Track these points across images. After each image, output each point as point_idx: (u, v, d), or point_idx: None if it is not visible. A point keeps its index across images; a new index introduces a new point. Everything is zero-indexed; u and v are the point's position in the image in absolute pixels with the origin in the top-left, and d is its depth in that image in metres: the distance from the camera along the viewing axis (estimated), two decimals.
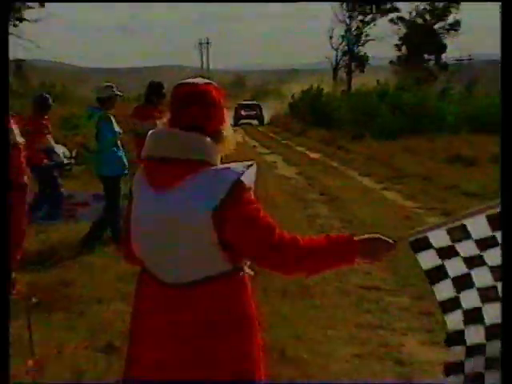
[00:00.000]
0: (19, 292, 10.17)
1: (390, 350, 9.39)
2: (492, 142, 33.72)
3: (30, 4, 70.64)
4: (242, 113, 69.65)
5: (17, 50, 72.06)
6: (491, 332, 4.81)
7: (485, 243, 4.73)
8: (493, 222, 4.71)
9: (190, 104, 4.64)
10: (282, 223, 4.87)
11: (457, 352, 4.91)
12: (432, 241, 4.84)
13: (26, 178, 11.37)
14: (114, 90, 14.76)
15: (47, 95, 18.33)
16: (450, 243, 4.81)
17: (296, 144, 45.62)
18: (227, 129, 4.75)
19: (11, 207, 10.87)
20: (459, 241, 4.79)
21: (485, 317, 4.80)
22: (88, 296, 10.88)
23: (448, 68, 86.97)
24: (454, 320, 4.87)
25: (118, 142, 14.55)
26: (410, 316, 10.85)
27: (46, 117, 18.05)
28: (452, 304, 4.86)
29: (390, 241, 4.73)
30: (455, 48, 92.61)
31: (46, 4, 71.23)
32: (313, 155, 38.26)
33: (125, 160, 14.67)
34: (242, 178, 4.46)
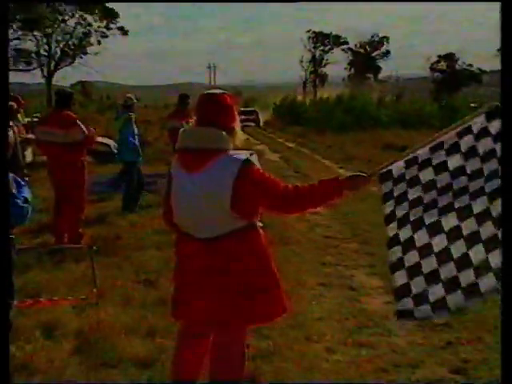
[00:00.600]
0: (85, 242, 10.15)
1: (344, 280, 9.44)
2: (415, 135, 33.73)
3: (91, 41, 70.17)
4: (243, 117, 68.76)
5: (82, 75, 71.93)
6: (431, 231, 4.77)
7: (423, 164, 4.83)
8: (433, 150, 4.82)
9: (211, 107, 4.77)
10: None
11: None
12: (393, 172, 4.94)
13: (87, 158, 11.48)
14: (133, 99, 14.87)
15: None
16: (403, 171, 4.91)
17: (278, 137, 45.53)
18: (238, 126, 4.82)
19: (75, 181, 11.02)
20: (408, 167, 4.90)
21: (423, 227, 4.78)
22: (132, 245, 10.89)
23: (382, 83, 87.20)
24: (392, 228, 4.94)
25: (136, 136, 14.48)
26: (358, 256, 10.91)
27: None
28: (391, 217, 4.94)
29: (365, 175, 4.84)
30: (387, 69, 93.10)
31: (102, 41, 70.69)
32: (290, 145, 38.18)
33: (139, 149, 14.63)
34: (250, 158, 4.63)
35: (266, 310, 4.86)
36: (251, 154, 4.72)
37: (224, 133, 4.67)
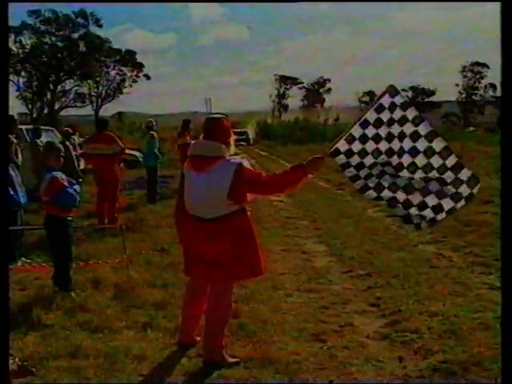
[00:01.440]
0: (118, 223, 10.10)
1: (299, 247, 9.45)
2: None
3: (125, 85, 71.13)
4: (236, 137, 66.15)
5: (119, 108, 72.59)
6: None
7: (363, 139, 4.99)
8: (363, 126, 5.00)
9: (213, 126, 4.85)
10: None
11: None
12: (340, 148, 5.03)
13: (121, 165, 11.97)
14: (154, 122, 15.00)
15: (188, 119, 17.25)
16: (347, 146, 5.01)
17: (254, 148, 45.44)
18: (232, 140, 4.91)
19: (112, 181, 11.11)
20: (352, 142, 5.01)
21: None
22: (151, 224, 10.89)
23: (326, 110, 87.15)
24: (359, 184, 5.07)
25: (156, 149, 14.48)
26: (308, 230, 10.93)
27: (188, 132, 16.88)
28: (356, 178, 5.05)
29: (320, 156, 4.90)
30: (329, 101, 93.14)
31: (133, 84, 71.76)
32: (263, 153, 38.16)
33: (159, 158, 14.68)
34: (242, 162, 4.72)
35: (249, 271, 4.93)
36: (243, 158, 4.83)
37: (223, 145, 4.74)
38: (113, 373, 4.70)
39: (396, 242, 9.35)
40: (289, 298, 6.67)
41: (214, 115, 5.06)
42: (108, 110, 74.74)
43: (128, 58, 71.41)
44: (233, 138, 4.95)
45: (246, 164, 4.79)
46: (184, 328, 5.22)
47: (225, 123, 4.91)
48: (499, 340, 5.05)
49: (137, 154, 21.42)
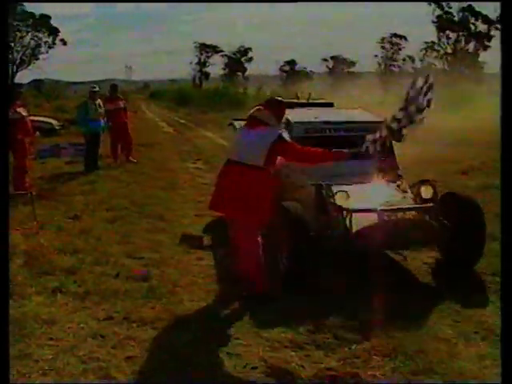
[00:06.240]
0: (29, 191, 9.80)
1: (212, 212, 9.40)
2: None
3: (41, 51, 68.98)
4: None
5: (36, 75, 70.42)
6: None
7: None
8: None
9: (275, 103, 5.83)
10: None
11: None
12: None
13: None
14: (97, 88, 14.10)
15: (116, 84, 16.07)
16: None
17: (174, 116, 44.87)
18: (282, 120, 5.94)
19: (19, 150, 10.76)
20: None
21: None
22: (65, 193, 10.60)
23: (247, 79, 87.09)
24: None
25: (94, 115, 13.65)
26: None
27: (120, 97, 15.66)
28: None
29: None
30: (250, 69, 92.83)
31: (49, 50, 69.48)
32: (181, 121, 37.67)
33: (101, 127, 13.84)
34: (283, 134, 5.61)
35: (263, 218, 5.60)
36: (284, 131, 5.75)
37: (275, 117, 5.67)
38: (22, 338, 4.72)
39: None
40: (199, 262, 6.80)
41: (277, 98, 5.99)
42: (25, 77, 72.50)
43: (42, 23, 69.22)
44: (283, 119, 5.91)
45: (286, 136, 5.60)
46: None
47: (284, 106, 5.84)
48: None
49: (53, 121, 20.95)
